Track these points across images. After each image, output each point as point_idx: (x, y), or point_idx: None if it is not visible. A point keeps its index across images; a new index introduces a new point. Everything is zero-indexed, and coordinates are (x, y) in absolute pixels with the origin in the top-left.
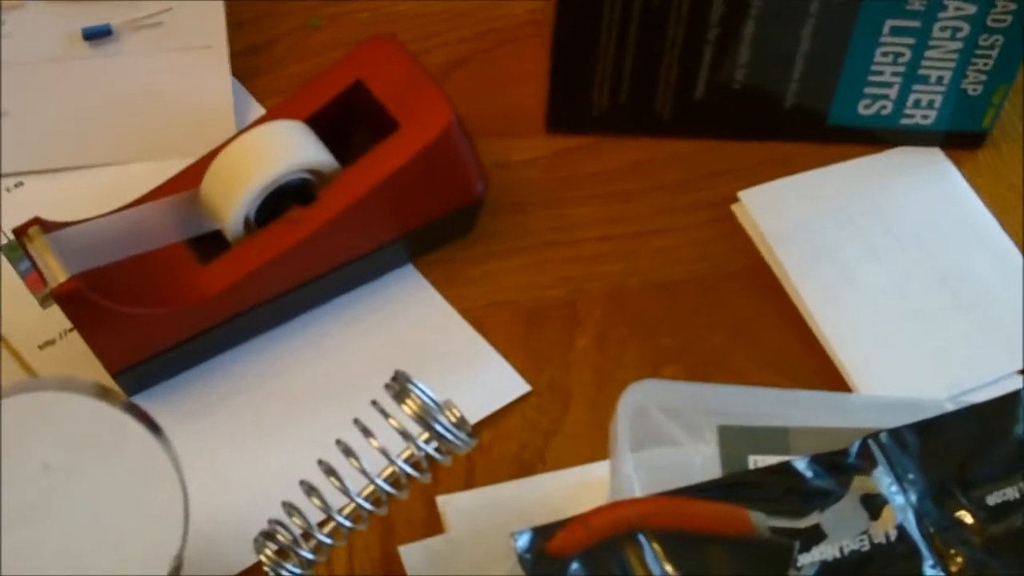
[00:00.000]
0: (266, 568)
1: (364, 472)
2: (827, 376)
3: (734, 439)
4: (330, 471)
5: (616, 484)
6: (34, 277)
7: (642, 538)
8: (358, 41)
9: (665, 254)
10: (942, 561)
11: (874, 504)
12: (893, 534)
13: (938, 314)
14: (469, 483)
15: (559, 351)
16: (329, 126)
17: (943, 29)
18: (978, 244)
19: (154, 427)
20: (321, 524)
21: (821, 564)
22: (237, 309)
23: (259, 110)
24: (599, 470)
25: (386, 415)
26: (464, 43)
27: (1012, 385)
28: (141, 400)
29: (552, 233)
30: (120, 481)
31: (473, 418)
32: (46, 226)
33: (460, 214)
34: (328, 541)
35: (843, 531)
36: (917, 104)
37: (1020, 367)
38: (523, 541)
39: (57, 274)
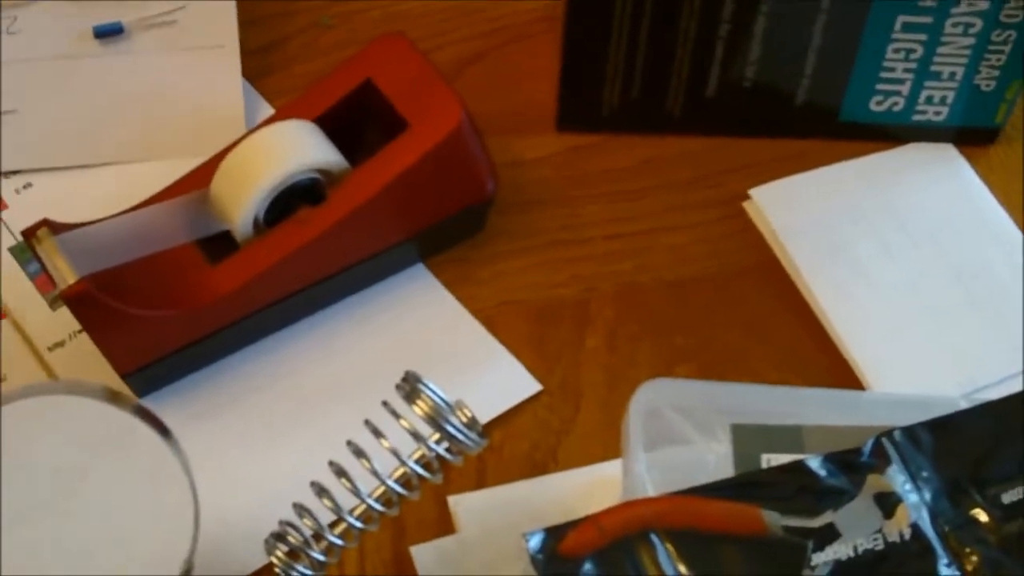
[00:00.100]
0: (277, 569)
1: (375, 473)
2: (840, 374)
3: (747, 438)
4: (341, 472)
5: (628, 483)
6: (43, 279)
7: (655, 538)
8: (368, 40)
9: (676, 252)
10: (957, 560)
11: (888, 503)
12: (907, 533)
13: (951, 311)
14: (481, 483)
15: (570, 350)
16: (339, 125)
17: (955, 25)
18: (991, 240)
19: (164, 430)
20: (332, 525)
21: (835, 563)
22: (247, 310)
23: (268, 110)
24: (611, 469)
25: (397, 416)
26: (474, 41)
27: None
28: (150, 401)
29: (563, 232)
30: (130, 484)
31: (484, 418)
32: (55, 228)
33: (470, 213)
34: (339, 542)
35: (857, 530)
36: (929, 100)
37: None
38: (535, 541)
39: (66, 276)
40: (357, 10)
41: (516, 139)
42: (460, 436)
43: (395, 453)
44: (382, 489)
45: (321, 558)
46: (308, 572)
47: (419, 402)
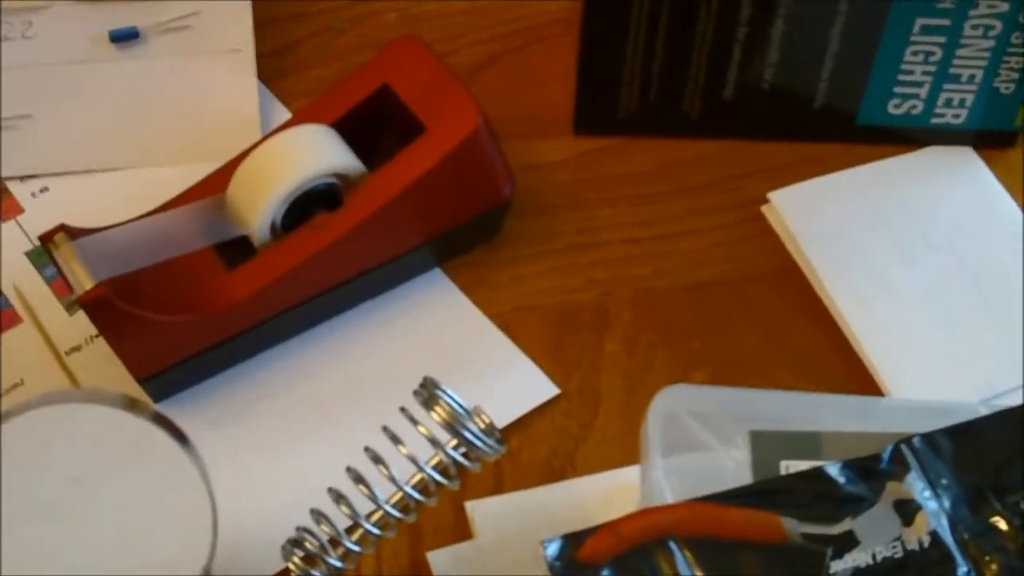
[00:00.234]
0: (294, 575)
1: (393, 479)
2: (858, 380)
3: (766, 444)
4: (358, 479)
5: (647, 490)
6: (60, 283)
7: (673, 545)
8: (384, 42)
9: (694, 256)
10: (976, 568)
11: (907, 510)
12: (926, 540)
13: (970, 316)
14: (498, 488)
15: (588, 355)
16: (355, 130)
17: (975, 27)
18: (1010, 244)
19: (181, 437)
20: (349, 531)
21: (854, 571)
22: (263, 315)
23: (284, 113)
24: (629, 475)
25: (415, 422)
26: (490, 44)
27: None
28: (167, 406)
29: (580, 236)
30: (148, 492)
31: (502, 422)
32: (72, 232)
33: (487, 217)
34: (356, 548)
35: (876, 537)
36: (948, 103)
37: None
38: (553, 549)
39: (83, 281)
40: (371, 13)
41: (533, 143)
42: (478, 442)
43: (412, 460)
44: (399, 495)
45: (338, 564)
46: None
47: (437, 408)
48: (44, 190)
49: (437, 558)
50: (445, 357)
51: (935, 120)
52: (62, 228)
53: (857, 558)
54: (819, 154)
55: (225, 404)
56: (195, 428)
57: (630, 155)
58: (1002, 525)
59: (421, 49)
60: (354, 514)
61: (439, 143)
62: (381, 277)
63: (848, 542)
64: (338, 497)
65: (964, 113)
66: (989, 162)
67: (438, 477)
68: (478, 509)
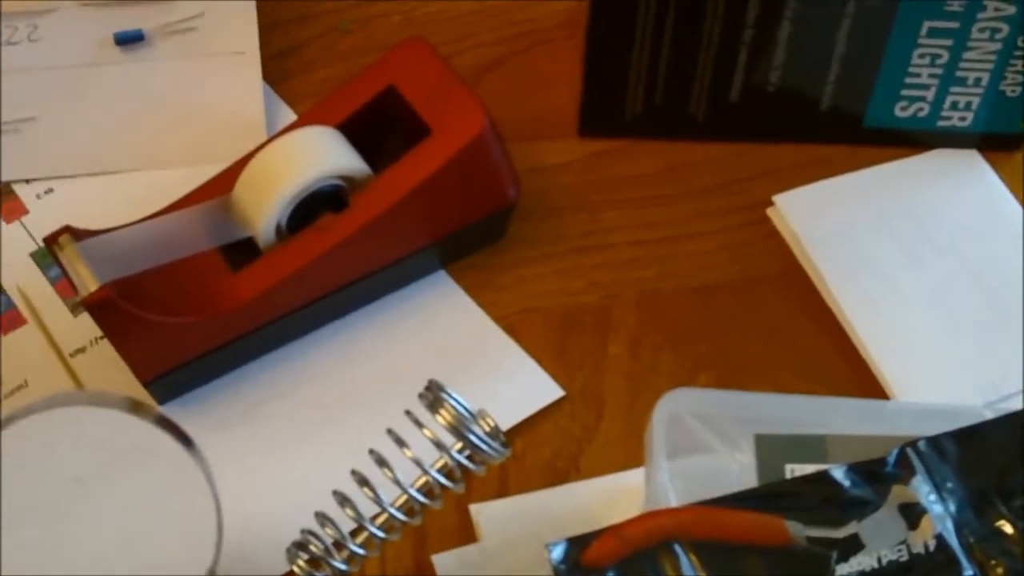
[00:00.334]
0: None
1: (397, 482)
2: (864, 383)
3: (770, 447)
4: (363, 481)
5: (651, 493)
6: (64, 285)
7: (678, 548)
8: (389, 44)
9: (699, 259)
10: (982, 571)
11: (912, 513)
12: (932, 544)
13: (976, 319)
14: (502, 491)
15: (592, 358)
16: (361, 132)
17: (982, 30)
18: (1016, 248)
19: (186, 440)
20: (354, 534)
21: (859, 574)
22: (268, 317)
23: (289, 114)
24: (634, 478)
25: (420, 425)
26: (495, 46)
27: None
28: (172, 408)
29: (585, 238)
30: (152, 495)
31: (507, 424)
32: (76, 234)
33: (492, 219)
34: (361, 551)
35: (881, 541)
36: (954, 106)
37: None
38: (557, 552)
39: (88, 283)
40: (377, 14)
41: (538, 145)
42: (483, 446)
43: (417, 462)
44: (404, 498)
45: (342, 567)
46: None
47: (442, 411)
48: (49, 192)
49: (442, 561)
50: (449, 359)
51: (941, 123)
52: (67, 230)
53: (862, 562)
54: (825, 156)
55: (230, 406)
56: (199, 430)
57: (635, 157)
58: (1008, 529)
59: (427, 51)
60: (359, 517)
61: (445, 145)
62: (386, 279)
63: (853, 546)
64: (343, 500)
65: (970, 116)
66: (995, 165)
67: (443, 480)
68: (483, 512)
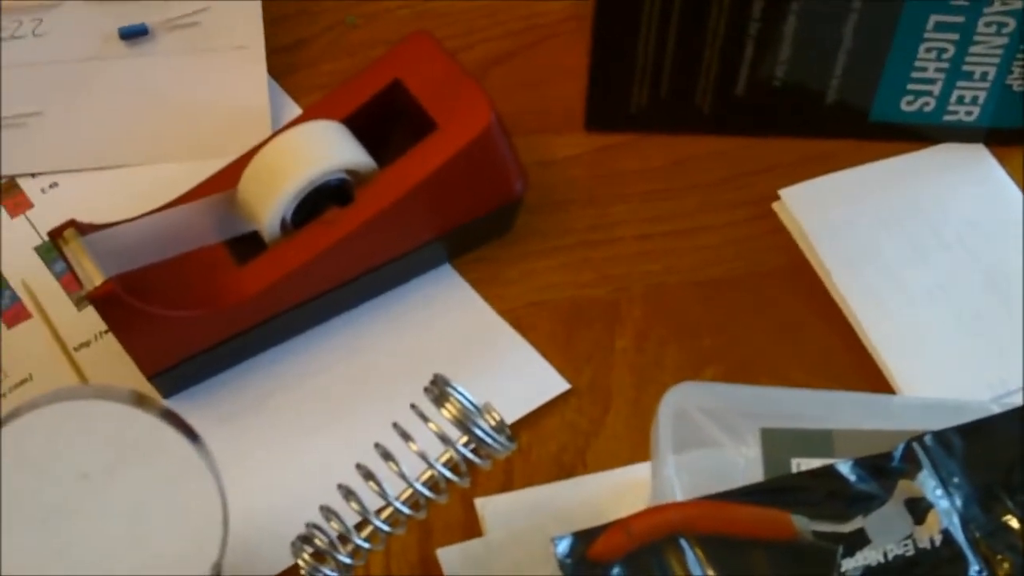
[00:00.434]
0: (303, 571)
1: (403, 476)
2: (870, 377)
3: (777, 442)
4: (368, 475)
5: (657, 487)
6: (69, 279)
7: (684, 543)
8: (395, 38)
9: (706, 253)
10: (988, 566)
11: (919, 508)
12: (938, 539)
13: (982, 314)
14: (508, 485)
15: (599, 351)
16: (367, 125)
17: (988, 24)
18: (1022, 242)
19: (191, 434)
20: (359, 527)
21: (865, 569)
22: (274, 311)
23: (294, 109)
24: (640, 472)
25: (425, 419)
26: (501, 40)
27: None
28: (177, 402)
29: (592, 232)
30: (158, 488)
31: (513, 417)
32: (81, 228)
33: (499, 213)
34: (366, 545)
35: (887, 536)
36: (961, 100)
37: None
38: (563, 546)
39: (93, 276)
40: (383, 9)
41: (545, 139)
42: (488, 440)
43: (423, 456)
44: (410, 491)
45: (347, 560)
46: (334, 575)
47: (447, 405)
48: (54, 186)
49: (447, 555)
50: (455, 353)
51: (947, 117)
52: (72, 224)
53: (868, 556)
54: (831, 151)
55: (235, 400)
56: (204, 424)
57: (642, 151)
58: (1014, 524)
59: (433, 45)
60: (364, 511)
61: (451, 139)
62: (392, 273)
63: (859, 540)
64: (348, 494)
65: (977, 110)
66: (1001, 159)
67: (448, 474)
68: (488, 506)
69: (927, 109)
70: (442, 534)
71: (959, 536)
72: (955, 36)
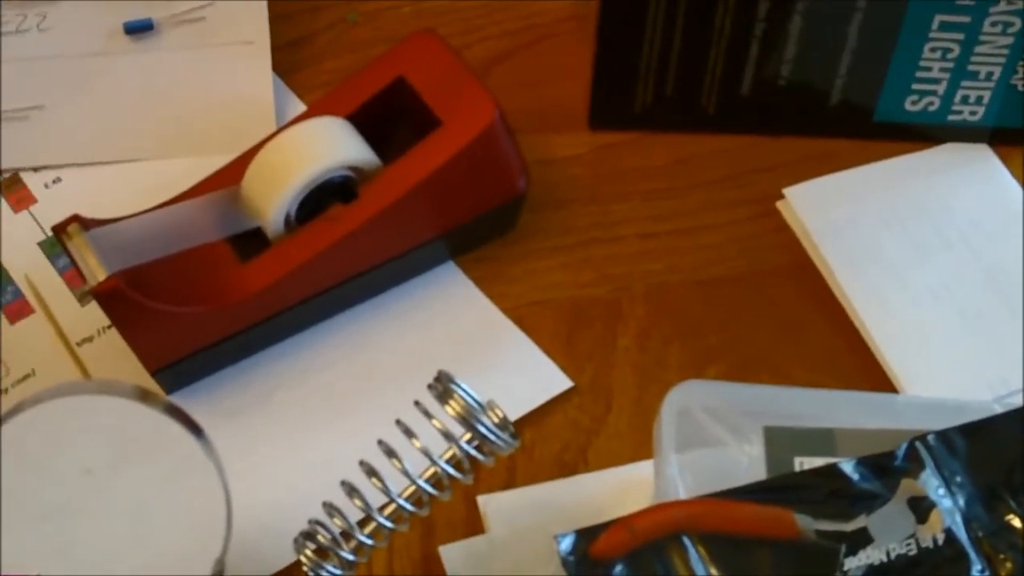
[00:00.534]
0: (306, 568)
1: (406, 472)
2: (873, 376)
3: (780, 440)
4: (372, 472)
5: (660, 485)
6: (72, 274)
7: (687, 541)
8: (398, 36)
9: (709, 251)
10: (991, 566)
11: (921, 507)
12: (941, 538)
13: (985, 313)
14: (510, 483)
15: (601, 350)
16: (371, 122)
17: (993, 24)
18: None
19: (196, 429)
20: (362, 524)
21: (867, 568)
22: (277, 307)
23: (298, 105)
24: (642, 470)
25: (429, 416)
26: (506, 38)
27: None
28: (180, 398)
29: (594, 230)
30: (161, 484)
31: (516, 414)
32: (85, 223)
33: (502, 211)
34: (369, 542)
35: (890, 535)
36: (965, 100)
37: None
38: (566, 543)
39: (96, 272)
40: (386, 7)
41: (548, 137)
42: (492, 437)
43: (426, 453)
44: (412, 489)
45: (350, 557)
46: (337, 571)
47: (451, 402)
48: (57, 181)
49: (449, 552)
50: (459, 350)
51: (952, 117)
52: (75, 219)
53: (871, 555)
54: (835, 150)
55: (238, 396)
56: (207, 420)
57: (645, 150)
58: (1016, 523)
59: (437, 43)
60: (367, 507)
61: (455, 137)
62: (395, 270)
63: (862, 539)
64: (351, 490)
65: (981, 110)
66: (1005, 159)
67: (451, 471)
68: (490, 503)
69: (931, 109)
70: (444, 531)
71: (962, 535)
72: (960, 36)
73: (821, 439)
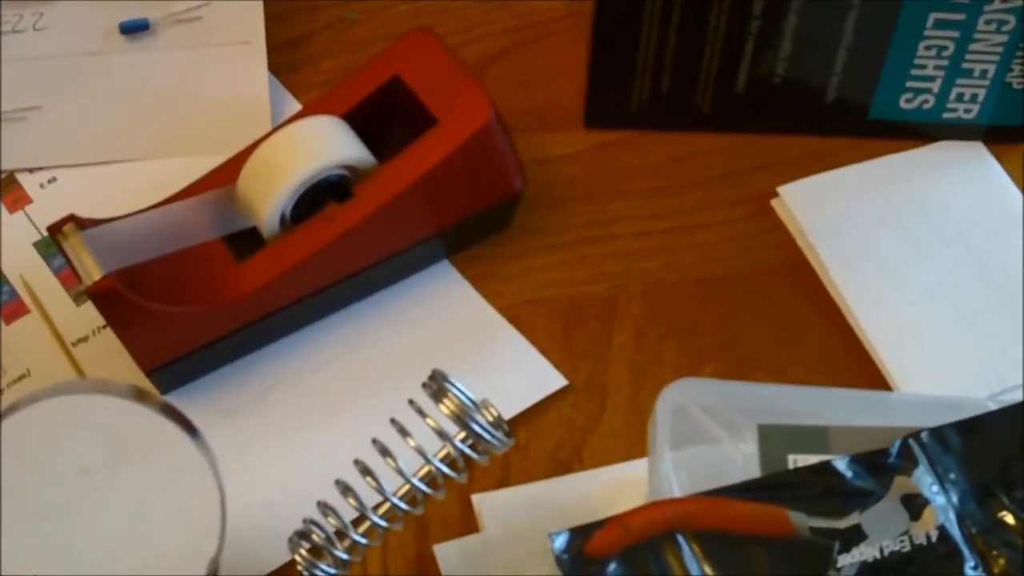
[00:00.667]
0: (300, 567)
1: (400, 471)
2: (867, 374)
3: (774, 438)
4: (366, 471)
5: (655, 483)
6: (68, 274)
7: (681, 538)
8: (395, 35)
9: (704, 250)
10: (984, 562)
11: (915, 504)
12: (934, 535)
13: (980, 311)
14: (505, 481)
15: (597, 348)
16: (366, 121)
17: (988, 22)
18: (1020, 240)
19: (191, 428)
20: (356, 523)
21: (861, 565)
22: (273, 307)
23: (295, 105)
24: (637, 469)
25: (423, 414)
26: (502, 37)
27: None
28: (175, 397)
29: (590, 229)
30: (157, 483)
31: (511, 413)
32: (81, 223)
33: (498, 210)
34: (363, 541)
35: (883, 532)
36: (960, 98)
37: None
38: (560, 541)
39: (92, 272)
40: (383, 6)
41: (544, 136)
42: (486, 435)
43: (421, 452)
44: (407, 488)
45: (345, 556)
46: (331, 570)
47: (445, 400)
48: (53, 181)
49: (444, 551)
50: (453, 349)
51: (947, 115)
52: (71, 219)
53: (865, 552)
54: (830, 148)
55: (233, 395)
56: (202, 419)
57: (641, 148)
58: (1010, 520)
59: (433, 42)
60: (361, 506)
61: (451, 135)
62: (390, 269)
63: (856, 536)
64: (345, 489)
65: (976, 108)
66: (1000, 157)
67: (446, 470)
68: (485, 502)
69: (926, 107)
70: (439, 530)
71: (955, 532)
72: (955, 33)
73: (815, 436)
